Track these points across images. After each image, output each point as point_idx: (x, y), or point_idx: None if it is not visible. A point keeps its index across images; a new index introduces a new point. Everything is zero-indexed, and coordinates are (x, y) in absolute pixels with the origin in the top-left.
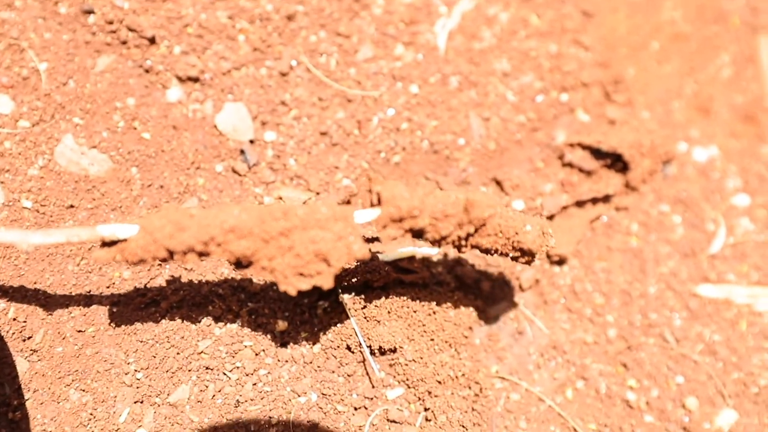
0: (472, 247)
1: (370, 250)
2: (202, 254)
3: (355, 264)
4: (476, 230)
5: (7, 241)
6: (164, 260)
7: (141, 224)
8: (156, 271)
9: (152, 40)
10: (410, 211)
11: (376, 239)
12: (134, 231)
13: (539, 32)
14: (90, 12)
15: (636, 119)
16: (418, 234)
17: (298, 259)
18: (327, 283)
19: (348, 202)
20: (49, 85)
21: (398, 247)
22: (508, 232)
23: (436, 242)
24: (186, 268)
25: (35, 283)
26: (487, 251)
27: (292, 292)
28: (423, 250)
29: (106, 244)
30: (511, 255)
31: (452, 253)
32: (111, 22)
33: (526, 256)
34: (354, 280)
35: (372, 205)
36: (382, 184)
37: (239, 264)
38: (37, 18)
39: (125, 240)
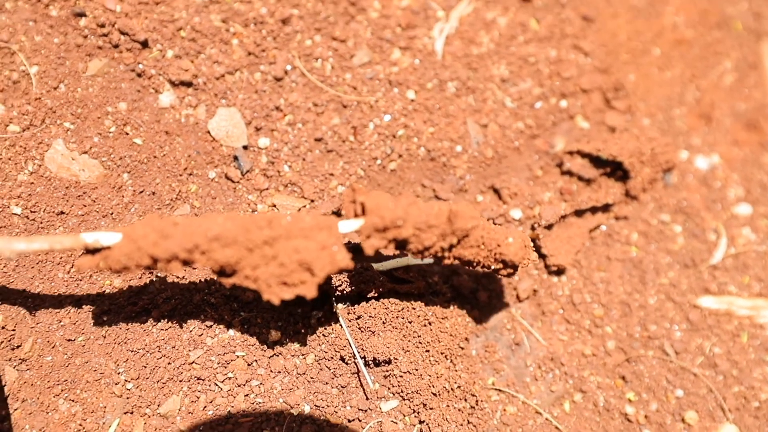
0: (455, 258)
1: (353, 259)
2: (186, 262)
3: (340, 273)
4: (459, 241)
5: None
6: (148, 268)
7: (125, 232)
8: (147, 279)
9: (145, 44)
10: (394, 221)
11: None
12: (118, 238)
13: (538, 37)
14: (81, 15)
15: (636, 126)
16: (401, 244)
17: (282, 268)
18: (310, 292)
19: (340, 212)
20: (39, 89)
21: (393, 257)
22: (490, 243)
23: (419, 253)
24: (177, 277)
25: (24, 290)
26: (469, 263)
27: (276, 302)
28: (418, 259)
29: (90, 251)
30: (493, 267)
31: None
32: (103, 26)
33: (508, 268)
34: (348, 290)
35: (356, 215)
36: (366, 194)
37: (223, 272)
38: (27, 21)
39: (109, 247)
